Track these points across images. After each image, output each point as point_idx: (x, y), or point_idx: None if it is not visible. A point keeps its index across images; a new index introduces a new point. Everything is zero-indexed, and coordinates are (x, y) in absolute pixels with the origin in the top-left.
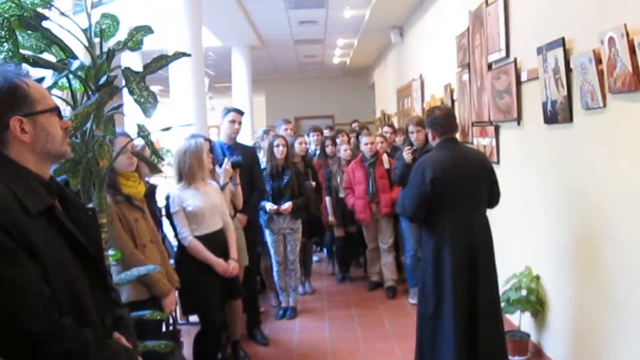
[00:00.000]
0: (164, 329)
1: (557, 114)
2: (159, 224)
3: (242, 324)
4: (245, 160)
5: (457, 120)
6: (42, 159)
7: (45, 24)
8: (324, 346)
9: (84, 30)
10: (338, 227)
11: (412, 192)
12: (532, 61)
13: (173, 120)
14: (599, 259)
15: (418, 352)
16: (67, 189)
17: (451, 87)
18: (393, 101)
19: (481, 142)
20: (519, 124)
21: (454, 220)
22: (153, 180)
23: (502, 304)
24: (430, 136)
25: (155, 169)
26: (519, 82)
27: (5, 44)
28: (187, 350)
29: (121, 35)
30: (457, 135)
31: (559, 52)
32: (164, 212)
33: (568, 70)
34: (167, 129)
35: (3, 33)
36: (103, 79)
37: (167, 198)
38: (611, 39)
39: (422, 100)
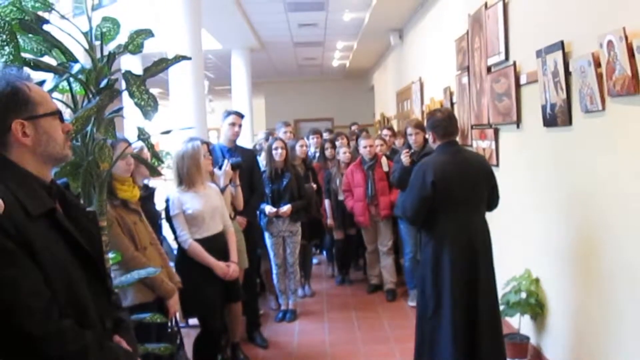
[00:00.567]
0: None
1: (557, 117)
2: (158, 227)
3: (241, 327)
4: (245, 163)
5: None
6: (44, 162)
7: (46, 27)
8: (323, 349)
9: (85, 34)
10: (337, 229)
11: (413, 195)
12: (532, 64)
13: (173, 122)
14: (599, 262)
15: (417, 354)
16: (68, 192)
17: (451, 90)
18: (392, 104)
19: (480, 144)
20: (518, 126)
21: (454, 223)
22: (152, 183)
23: (502, 307)
24: (430, 138)
25: (155, 172)
26: (518, 85)
27: (6, 48)
28: (187, 353)
29: (121, 38)
30: (457, 138)
31: (558, 55)
32: (163, 215)
33: (567, 73)
34: (167, 132)
35: (4, 37)
36: (104, 82)
37: (167, 201)
38: (610, 43)
39: (422, 103)
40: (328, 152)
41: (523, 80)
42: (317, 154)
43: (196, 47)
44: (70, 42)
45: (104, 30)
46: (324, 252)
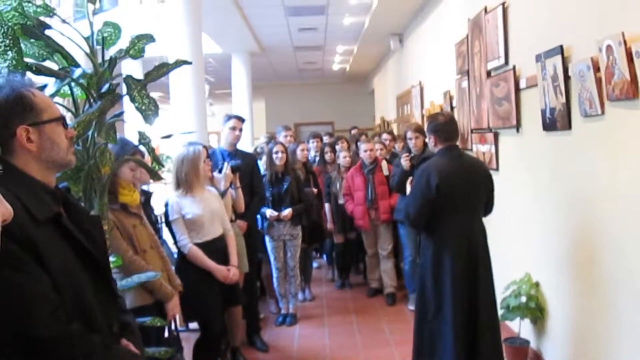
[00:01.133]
0: (166, 334)
1: (556, 121)
2: (157, 231)
3: (242, 331)
4: (245, 167)
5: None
6: (48, 168)
7: (47, 32)
8: (323, 353)
9: (86, 38)
10: (337, 233)
11: (417, 198)
12: (531, 68)
13: (173, 126)
14: (599, 266)
15: (416, 357)
16: (72, 197)
17: (450, 94)
18: (392, 108)
19: (480, 148)
20: (518, 130)
21: (455, 226)
22: (151, 187)
23: (502, 311)
24: (431, 142)
25: (156, 176)
26: (517, 89)
27: (9, 53)
28: (187, 357)
29: (123, 43)
30: (457, 142)
31: (558, 59)
32: (162, 219)
33: (566, 77)
34: (168, 136)
35: (7, 42)
36: (105, 87)
37: (166, 205)
38: (609, 47)
39: (422, 107)
40: (328, 156)
41: (522, 84)
42: (318, 158)
43: (197, 51)
44: (72, 47)
45: (105, 35)
46: (324, 256)
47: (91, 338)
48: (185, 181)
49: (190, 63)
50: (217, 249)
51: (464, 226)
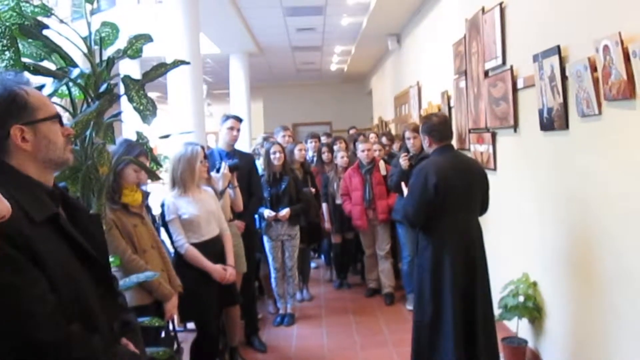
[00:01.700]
0: (162, 334)
1: (553, 120)
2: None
3: (240, 331)
4: (243, 167)
5: (454, 127)
6: (45, 167)
7: (45, 32)
8: (321, 353)
9: (84, 39)
10: (335, 233)
11: (415, 198)
12: (528, 69)
13: (171, 126)
14: (596, 265)
15: (414, 358)
16: (70, 196)
17: (448, 94)
18: (390, 108)
19: (478, 148)
20: (515, 130)
21: (453, 226)
22: (148, 187)
23: (500, 310)
24: (426, 143)
25: (154, 176)
26: (515, 90)
27: (6, 53)
28: (185, 357)
29: (120, 43)
30: (454, 142)
31: (555, 59)
32: (159, 219)
33: (564, 77)
34: (166, 136)
35: (5, 41)
36: (103, 87)
37: (162, 206)
38: (606, 47)
39: (420, 107)
40: (325, 156)
41: (520, 84)
42: (315, 158)
43: (195, 51)
44: (70, 47)
45: (103, 35)
46: (323, 256)
47: (91, 339)
48: (181, 180)
49: (188, 63)
50: (213, 249)
51: (462, 226)
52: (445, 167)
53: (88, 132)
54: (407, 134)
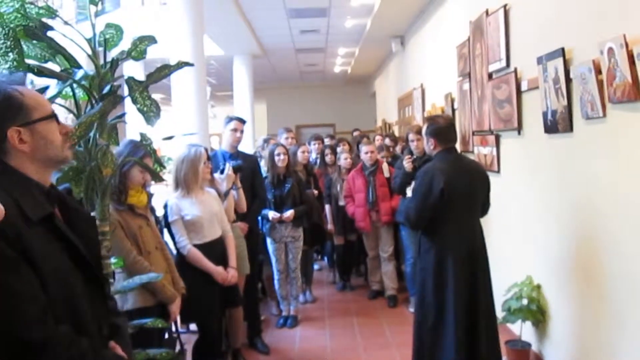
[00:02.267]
0: (166, 336)
1: (558, 123)
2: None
3: (243, 332)
4: (247, 169)
5: (458, 129)
6: (44, 166)
7: (50, 33)
8: (324, 355)
9: (88, 40)
10: (338, 235)
11: (419, 201)
12: (532, 71)
13: (175, 128)
14: (600, 268)
15: None
16: (67, 196)
17: (452, 96)
18: (394, 110)
19: (482, 151)
20: (519, 133)
21: (457, 228)
22: (152, 189)
23: (504, 313)
24: (430, 145)
25: (158, 178)
26: (519, 92)
27: (10, 54)
28: (188, 358)
29: (125, 44)
30: (458, 144)
31: (559, 62)
32: (162, 220)
33: (568, 80)
34: (170, 137)
35: (8, 43)
36: (107, 88)
37: (165, 207)
38: (610, 50)
39: (423, 109)
40: (328, 158)
41: (524, 86)
42: (319, 160)
43: (198, 53)
44: (74, 49)
45: (107, 36)
46: (326, 258)
47: (79, 342)
48: (184, 182)
49: (192, 65)
50: (216, 250)
51: (465, 228)
52: (452, 170)
53: (92, 134)
54: (411, 136)
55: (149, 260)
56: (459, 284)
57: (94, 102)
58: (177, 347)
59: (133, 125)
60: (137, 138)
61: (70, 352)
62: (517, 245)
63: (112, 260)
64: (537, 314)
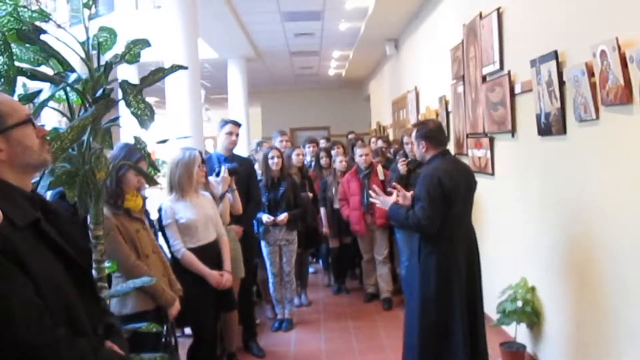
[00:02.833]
0: (164, 340)
1: (551, 125)
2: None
3: (238, 336)
4: (242, 172)
5: (452, 132)
6: (22, 172)
7: (43, 37)
8: (319, 358)
9: (82, 43)
10: (333, 238)
11: (430, 203)
12: (526, 74)
13: (169, 131)
14: (595, 270)
15: None
16: (49, 201)
17: (446, 99)
18: (388, 113)
19: (476, 153)
20: (513, 135)
21: (459, 230)
22: (146, 192)
23: (498, 315)
24: (422, 148)
25: (152, 182)
26: (513, 94)
27: (0, 58)
28: None
29: (118, 48)
30: (452, 147)
31: (552, 64)
32: (156, 224)
33: (561, 82)
34: (164, 141)
35: None
36: (100, 92)
37: (160, 210)
38: (603, 52)
39: (417, 112)
40: (323, 161)
41: (518, 89)
42: (314, 163)
43: (193, 56)
44: (67, 52)
45: (101, 40)
46: (321, 261)
47: (78, 342)
48: (178, 185)
49: (186, 68)
50: (210, 254)
51: (465, 230)
52: (453, 172)
53: (85, 137)
54: (406, 138)
55: (147, 264)
56: (462, 285)
57: (87, 105)
58: (172, 351)
59: (127, 129)
60: (131, 141)
61: (70, 354)
62: (511, 247)
63: (106, 264)
64: (532, 316)
